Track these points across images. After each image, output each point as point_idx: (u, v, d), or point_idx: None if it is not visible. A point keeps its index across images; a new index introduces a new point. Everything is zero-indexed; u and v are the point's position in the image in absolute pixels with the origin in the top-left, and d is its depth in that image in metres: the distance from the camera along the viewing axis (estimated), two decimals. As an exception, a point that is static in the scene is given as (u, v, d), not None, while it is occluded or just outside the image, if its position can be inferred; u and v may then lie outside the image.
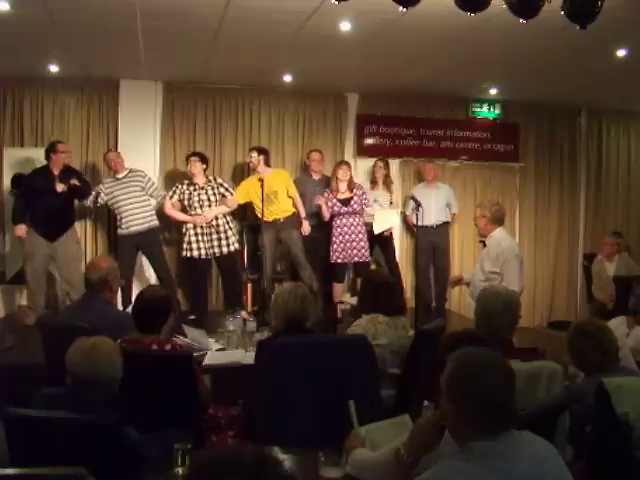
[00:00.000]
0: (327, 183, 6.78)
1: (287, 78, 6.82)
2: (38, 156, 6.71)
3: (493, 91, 7.41)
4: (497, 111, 7.87)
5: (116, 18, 4.76)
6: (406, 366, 3.51)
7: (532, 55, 5.51)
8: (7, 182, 6.62)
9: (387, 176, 7.11)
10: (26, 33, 5.13)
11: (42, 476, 2.00)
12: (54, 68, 6.37)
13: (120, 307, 5.89)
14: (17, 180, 6.26)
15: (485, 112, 7.85)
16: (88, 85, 6.87)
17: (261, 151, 6.60)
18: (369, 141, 7.65)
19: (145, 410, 2.72)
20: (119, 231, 6.41)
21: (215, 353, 4.02)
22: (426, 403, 3.50)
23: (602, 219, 8.25)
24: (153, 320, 3.21)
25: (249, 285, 6.76)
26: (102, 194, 6.38)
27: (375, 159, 7.24)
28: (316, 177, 6.96)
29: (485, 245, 4.97)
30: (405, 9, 3.41)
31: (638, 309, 5.25)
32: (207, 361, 3.80)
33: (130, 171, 6.45)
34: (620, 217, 8.33)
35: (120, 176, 6.40)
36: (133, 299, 5.75)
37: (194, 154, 6.48)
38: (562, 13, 3.39)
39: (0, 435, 2.31)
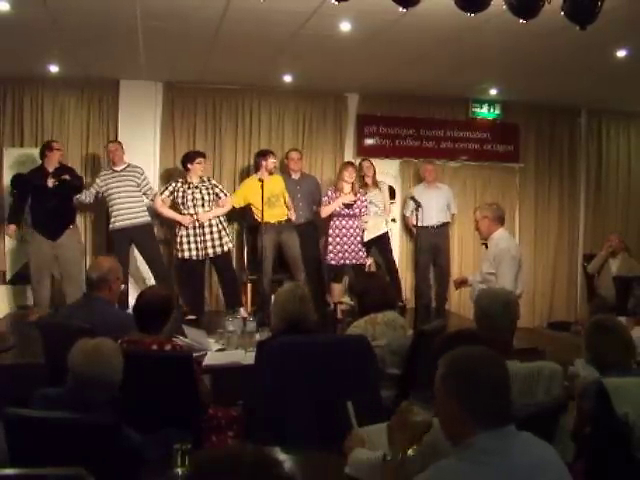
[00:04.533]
0: (309, 182, 6.82)
1: (287, 78, 6.82)
2: (38, 156, 6.71)
3: (493, 91, 7.41)
4: (497, 111, 7.87)
5: (116, 18, 4.77)
6: (406, 366, 3.51)
7: (532, 55, 5.51)
8: (7, 182, 6.62)
9: (374, 175, 7.09)
10: (26, 33, 5.13)
11: (42, 476, 2.00)
12: (54, 68, 6.37)
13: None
14: (16, 180, 6.25)
15: (485, 112, 7.84)
16: (88, 85, 6.87)
17: (274, 155, 6.61)
18: (369, 141, 7.64)
19: (145, 410, 2.72)
20: (111, 227, 6.37)
21: (215, 353, 4.01)
22: (426, 404, 3.49)
23: (602, 219, 8.24)
24: (154, 320, 3.20)
25: (249, 285, 6.75)
26: (97, 185, 6.36)
27: (359, 160, 7.20)
28: (295, 176, 6.91)
29: (487, 247, 4.97)
30: (405, 9, 3.42)
31: (638, 310, 5.25)
32: (207, 361, 3.79)
33: (128, 165, 6.44)
34: (620, 217, 8.32)
35: (117, 169, 6.38)
36: (129, 300, 5.76)
37: (203, 155, 6.46)
38: (562, 14, 3.40)
39: (0, 435, 2.31)
